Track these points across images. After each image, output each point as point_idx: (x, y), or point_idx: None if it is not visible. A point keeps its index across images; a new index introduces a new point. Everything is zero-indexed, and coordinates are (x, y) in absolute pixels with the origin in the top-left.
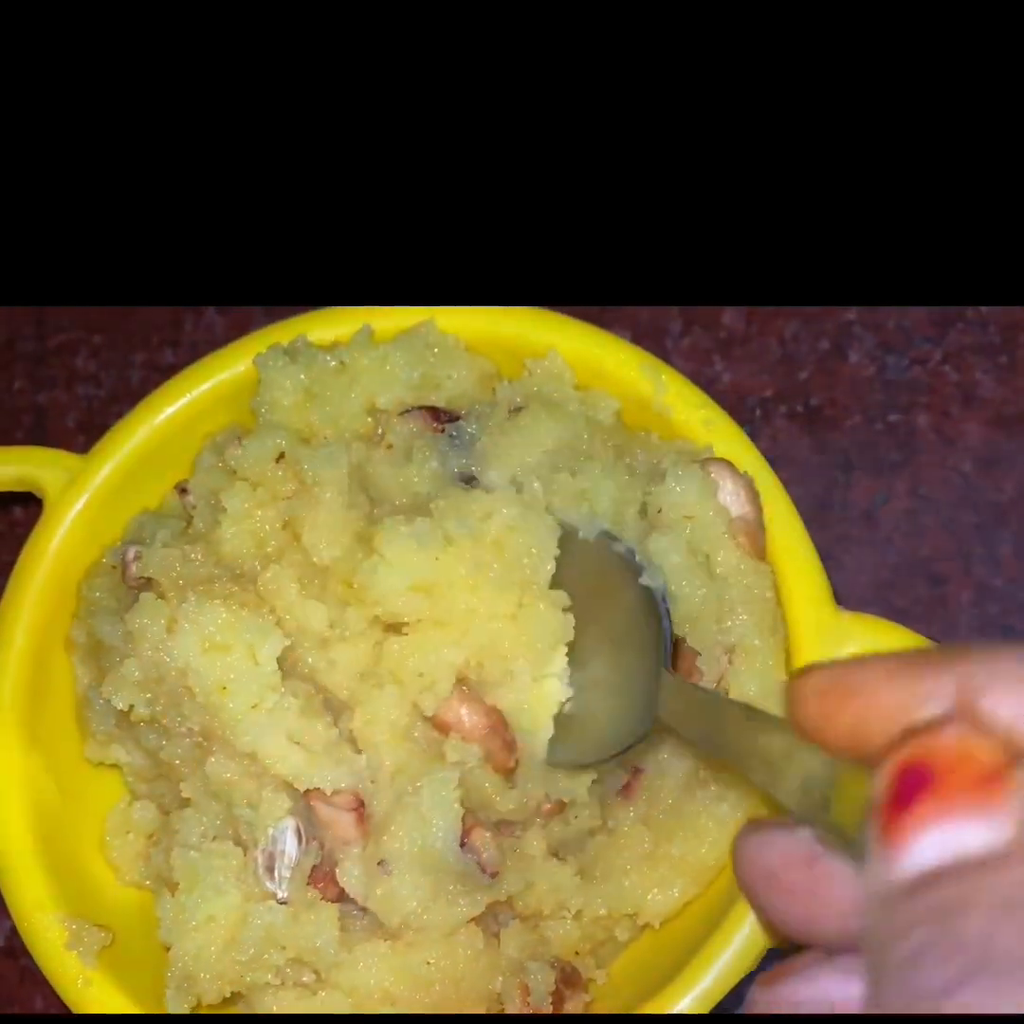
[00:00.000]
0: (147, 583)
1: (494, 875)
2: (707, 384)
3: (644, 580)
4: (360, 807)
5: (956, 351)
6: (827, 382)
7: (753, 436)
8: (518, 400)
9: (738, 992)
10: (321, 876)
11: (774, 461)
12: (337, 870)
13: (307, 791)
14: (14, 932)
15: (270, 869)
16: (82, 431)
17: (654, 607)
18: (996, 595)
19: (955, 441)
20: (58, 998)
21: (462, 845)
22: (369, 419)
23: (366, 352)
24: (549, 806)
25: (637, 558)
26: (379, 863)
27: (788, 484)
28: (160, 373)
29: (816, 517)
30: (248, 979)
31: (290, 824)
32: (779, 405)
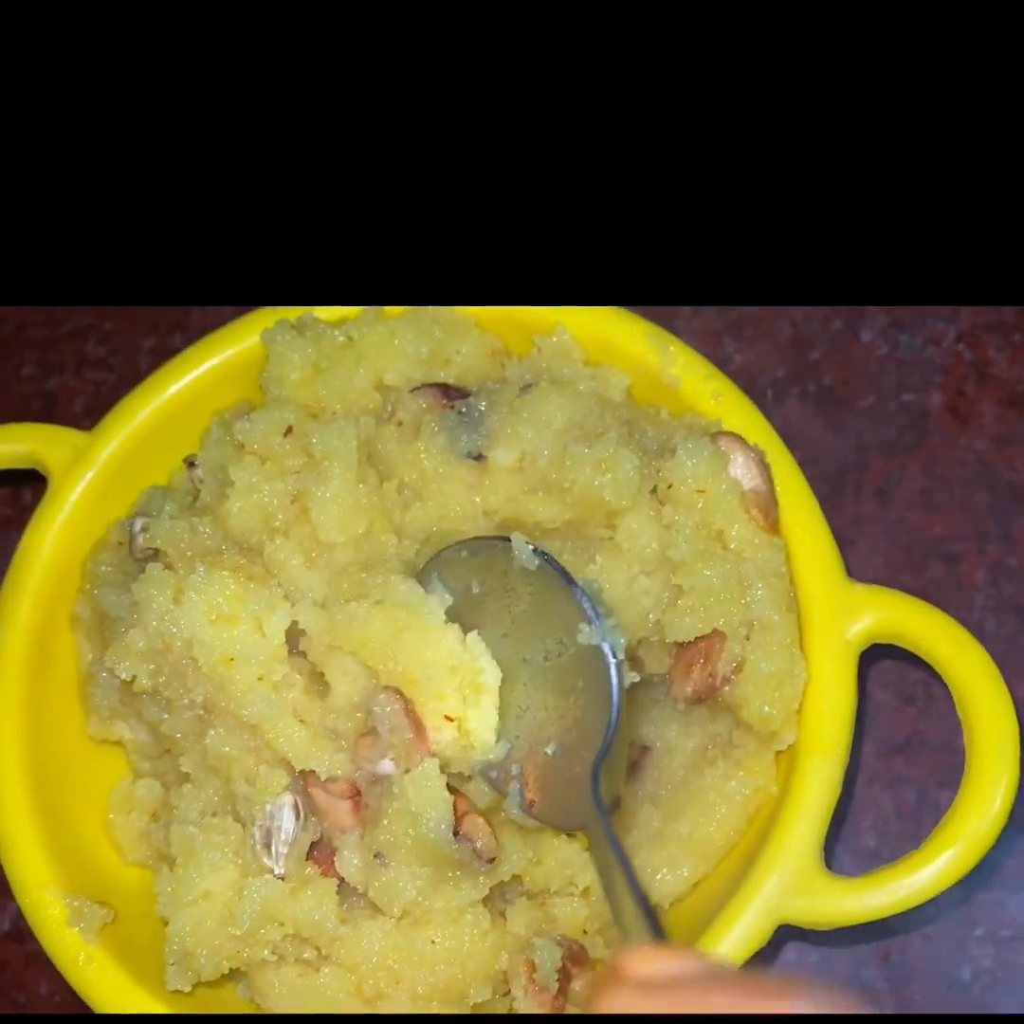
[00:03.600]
0: (154, 554)
1: (491, 861)
2: (719, 365)
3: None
4: (357, 795)
5: (970, 330)
6: (840, 362)
7: (766, 416)
8: (528, 377)
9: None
10: (321, 855)
11: (787, 441)
12: (335, 859)
13: (304, 773)
14: (20, 916)
15: (267, 845)
16: (90, 416)
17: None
18: (1011, 574)
19: (969, 420)
20: (64, 982)
21: (456, 834)
22: (377, 395)
23: (374, 327)
24: None
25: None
26: (375, 855)
27: (802, 464)
28: (169, 358)
29: (830, 497)
30: (246, 955)
31: (287, 800)
32: (792, 385)
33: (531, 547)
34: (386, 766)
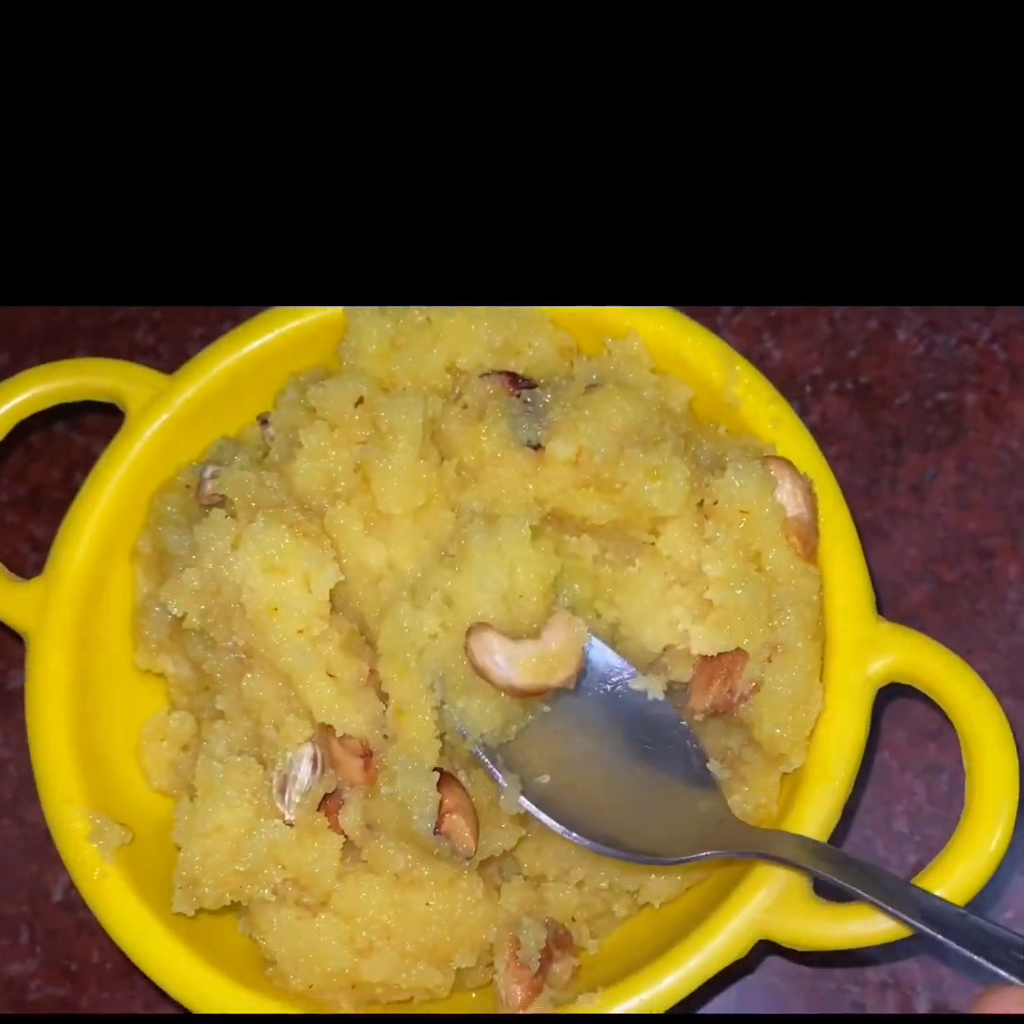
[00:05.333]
0: (220, 501)
1: (469, 858)
2: (757, 361)
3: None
4: (368, 755)
5: (1004, 330)
6: (877, 360)
7: (803, 412)
8: (594, 377)
9: (722, 977)
10: (332, 805)
11: (824, 437)
12: (340, 811)
13: (324, 726)
14: (72, 886)
15: (282, 791)
16: None
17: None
18: None
19: (1003, 419)
20: (115, 951)
21: (437, 832)
22: (448, 376)
23: (454, 312)
24: None
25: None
26: (367, 826)
27: (838, 460)
28: None
29: (865, 492)
30: (247, 891)
31: (307, 751)
32: (829, 382)
33: None
34: None
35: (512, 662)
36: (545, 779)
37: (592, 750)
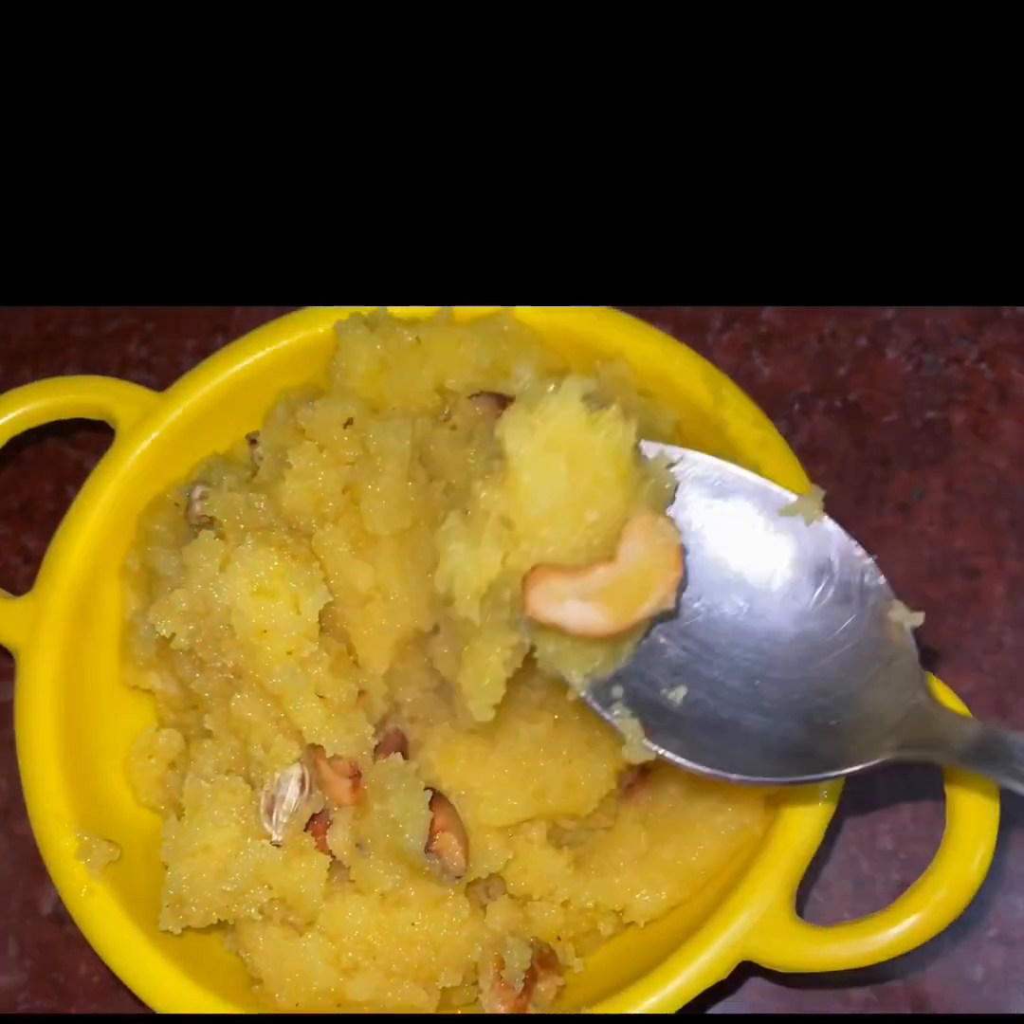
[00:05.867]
0: (209, 522)
1: (459, 877)
2: (747, 378)
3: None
4: (357, 776)
5: (992, 349)
6: (865, 378)
7: (792, 430)
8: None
9: (705, 997)
10: (319, 826)
11: (813, 455)
12: (328, 833)
13: (314, 747)
14: (60, 901)
15: (270, 811)
16: None
17: None
18: None
19: (990, 437)
20: (103, 964)
21: (428, 850)
22: (437, 396)
23: (443, 332)
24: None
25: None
26: (357, 844)
27: (826, 478)
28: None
29: (853, 510)
30: (234, 910)
31: (295, 772)
32: (818, 400)
33: None
34: None
35: (590, 601)
36: (681, 693)
37: (740, 629)
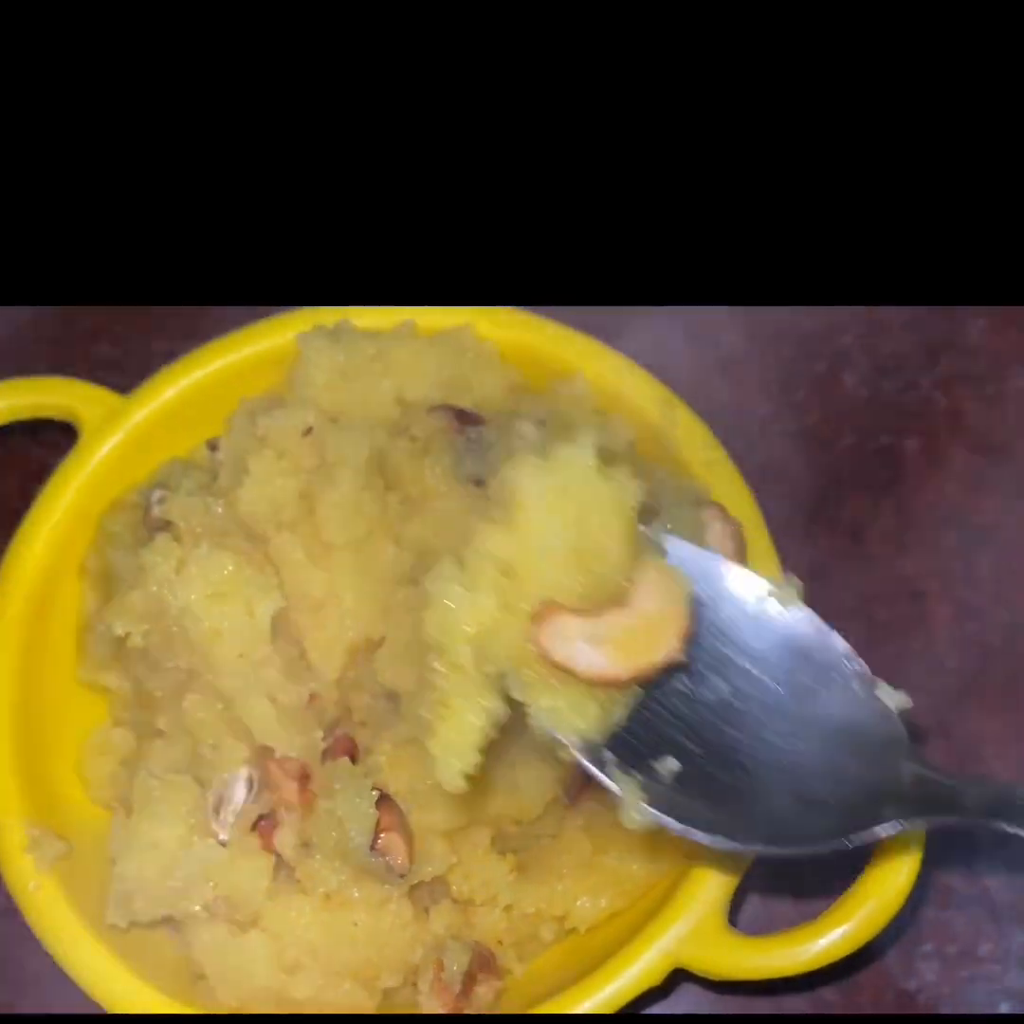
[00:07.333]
0: (166, 525)
1: (403, 876)
2: (705, 400)
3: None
4: (306, 778)
5: (946, 379)
6: (822, 404)
7: (748, 452)
8: (540, 416)
9: (640, 1002)
10: (266, 827)
11: (768, 478)
12: (275, 834)
13: (264, 748)
14: (8, 895)
15: (218, 811)
16: None
17: None
18: (975, 613)
19: (942, 464)
20: (47, 956)
21: (373, 849)
22: (396, 408)
23: (404, 344)
24: None
25: None
26: (304, 844)
27: (781, 499)
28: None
29: (806, 532)
30: (180, 906)
31: (243, 774)
32: (775, 423)
33: None
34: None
35: (600, 645)
36: (670, 765)
37: (728, 705)
